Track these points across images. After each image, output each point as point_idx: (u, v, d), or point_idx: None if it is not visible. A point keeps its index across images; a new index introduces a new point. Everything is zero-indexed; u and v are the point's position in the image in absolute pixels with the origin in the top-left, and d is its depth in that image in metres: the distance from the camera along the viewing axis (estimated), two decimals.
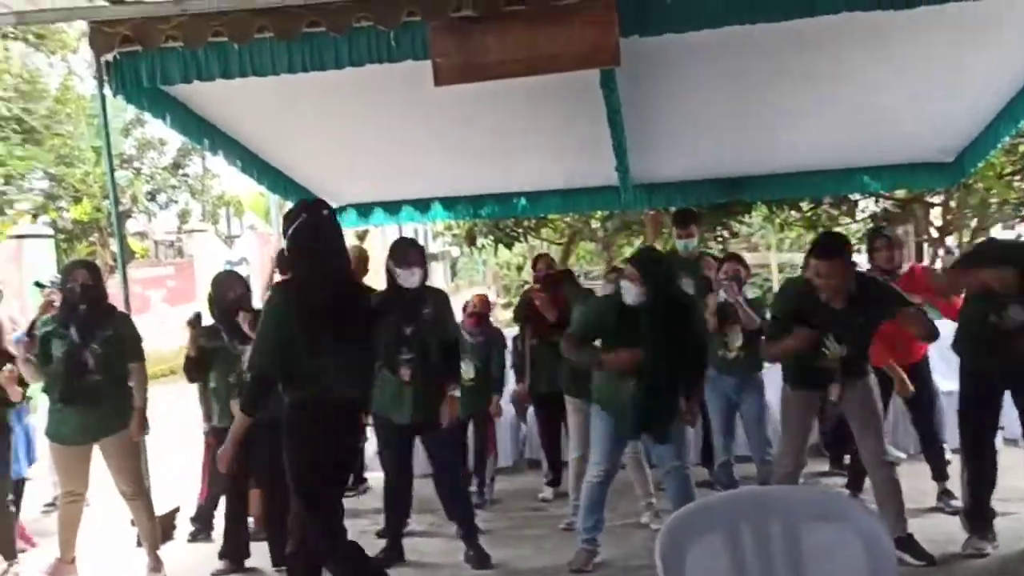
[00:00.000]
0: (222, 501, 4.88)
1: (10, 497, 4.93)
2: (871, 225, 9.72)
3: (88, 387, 4.35)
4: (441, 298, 4.64)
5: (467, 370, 5.34)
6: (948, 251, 10.19)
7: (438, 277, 30.03)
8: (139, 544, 4.74)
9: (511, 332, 6.37)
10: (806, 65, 5.08)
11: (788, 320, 4.12)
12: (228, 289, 4.65)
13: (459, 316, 5.45)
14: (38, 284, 5.74)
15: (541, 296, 5.49)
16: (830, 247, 4.05)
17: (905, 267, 5.18)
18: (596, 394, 4.36)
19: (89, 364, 4.35)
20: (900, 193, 9.16)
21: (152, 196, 22.34)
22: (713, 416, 5.40)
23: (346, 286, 3.60)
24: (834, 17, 4.12)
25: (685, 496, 4.13)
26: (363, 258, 5.94)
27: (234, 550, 4.64)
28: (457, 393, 4.58)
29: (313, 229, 3.47)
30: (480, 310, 5.65)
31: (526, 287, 5.86)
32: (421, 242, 5.68)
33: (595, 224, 11.01)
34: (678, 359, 4.10)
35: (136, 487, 4.57)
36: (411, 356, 4.39)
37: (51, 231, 16.21)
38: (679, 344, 4.09)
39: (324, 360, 3.36)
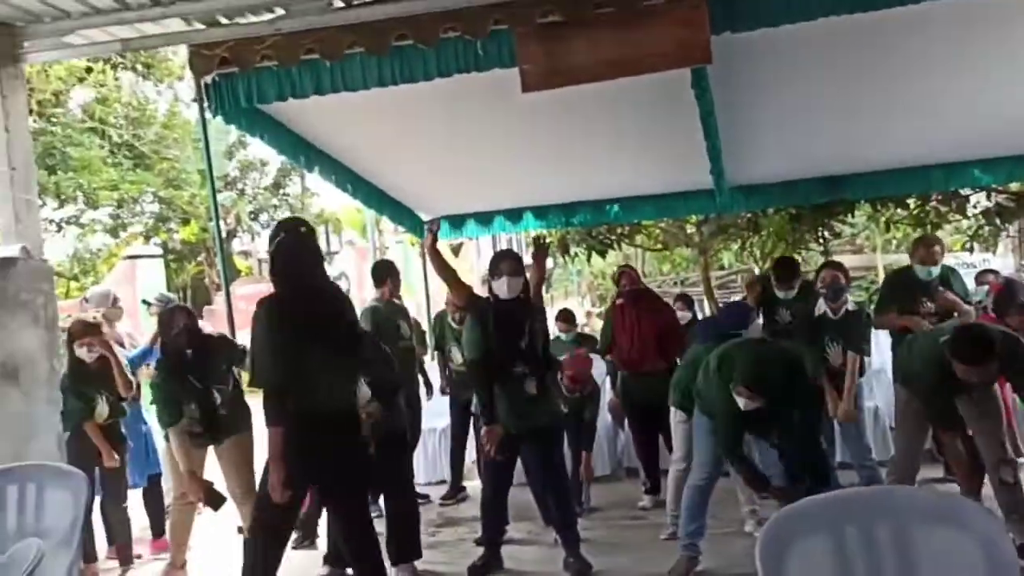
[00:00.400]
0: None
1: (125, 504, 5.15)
2: (981, 222, 9.21)
3: (218, 417, 4.61)
4: (542, 312, 4.76)
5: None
6: None
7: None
8: None
9: None
10: (907, 54, 4.87)
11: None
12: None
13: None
14: (145, 302, 6.02)
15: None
16: (978, 354, 3.72)
17: None
18: (703, 404, 4.28)
19: (218, 402, 4.61)
20: (1014, 186, 8.62)
21: (255, 215, 23.12)
22: None
23: (325, 301, 3.70)
24: (936, 3, 3.94)
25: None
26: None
27: (338, 556, 4.69)
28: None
29: (290, 247, 3.62)
30: (578, 376, 5.45)
31: (609, 304, 5.85)
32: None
33: (690, 229, 10.81)
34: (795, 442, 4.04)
35: (246, 489, 4.67)
36: (526, 369, 4.44)
37: (161, 251, 16.98)
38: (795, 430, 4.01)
39: (308, 373, 3.46)
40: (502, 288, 4.46)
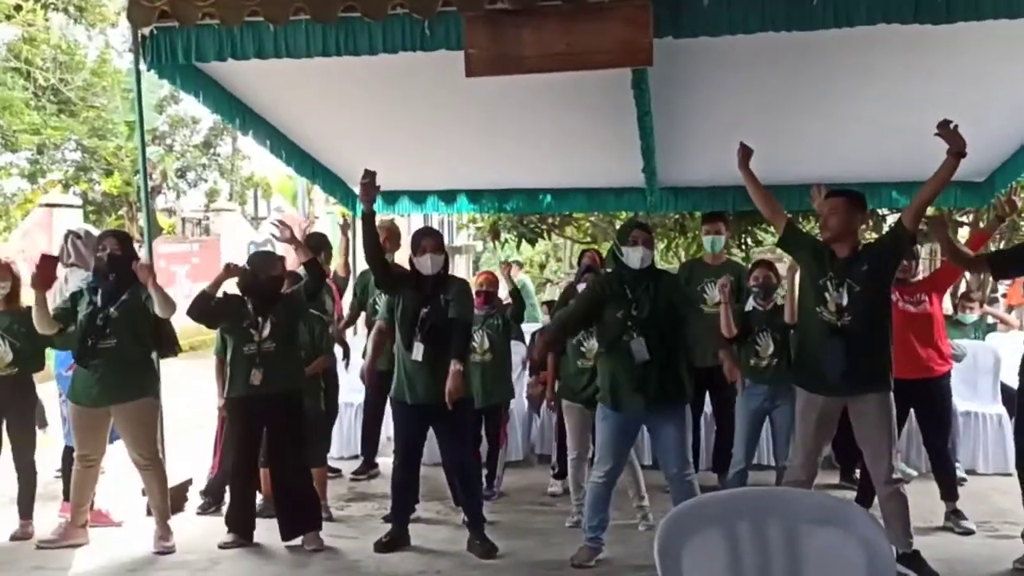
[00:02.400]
0: None
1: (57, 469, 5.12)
2: None
3: (104, 351, 4.41)
4: (463, 290, 4.69)
5: (481, 342, 5.40)
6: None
7: (461, 270, 30.03)
8: (149, 513, 4.80)
9: (530, 327, 6.41)
10: (839, 76, 5.06)
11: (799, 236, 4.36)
12: (268, 268, 4.63)
13: None
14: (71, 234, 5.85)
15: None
16: (839, 190, 4.26)
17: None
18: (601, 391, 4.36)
19: (106, 328, 4.40)
20: (928, 211, 9.02)
21: (182, 173, 22.55)
22: (741, 424, 5.30)
23: None
24: (870, 28, 4.11)
25: None
26: (395, 232, 6.09)
27: (241, 524, 4.64)
28: (459, 367, 4.45)
29: None
30: (487, 288, 5.60)
31: (565, 287, 5.82)
32: (446, 233, 5.67)
33: (619, 225, 10.98)
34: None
35: (149, 457, 4.61)
36: (425, 344, 4.43)
37: (80, 202, 16.43)
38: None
39: None
40: (425, 264, 4.51)
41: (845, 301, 3.98)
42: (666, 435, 4.27)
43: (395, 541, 4.62)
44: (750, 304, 5.20)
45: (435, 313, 4.47)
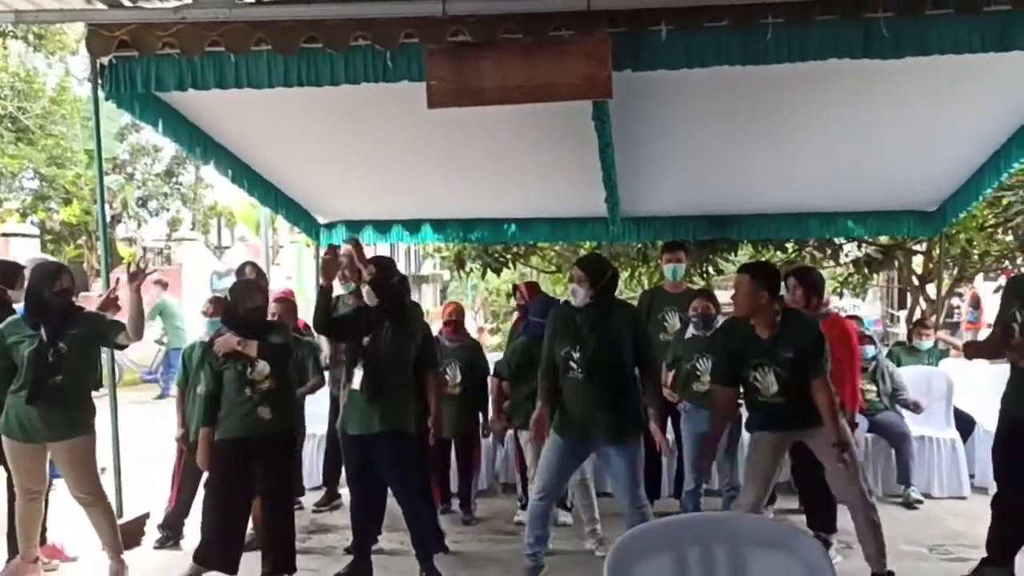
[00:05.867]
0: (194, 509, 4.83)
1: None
2: (851, 270, 9.85)
3: (51, 388, 4.20)
4: (414, 318, 4.63)
5: (453, 375, 5.46)
6: (928, 299, 10.26)
7: (428, 299, 30.01)
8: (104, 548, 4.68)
9: (496, 356, 6.42)
10: (795, 108, 5.18)
11: (724, 356, 4.28)
12: (246, 299, 4.35)
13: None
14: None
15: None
16: (743, 266, 4.34)
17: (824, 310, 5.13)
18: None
19: (57, 365, 4.20)
20: (883, 239, 9.24)
21: (143, 202, 22.32)
22: (688, 448, 5.40)
23: None
24: (823, 63, 4.22)
25: None
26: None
27: (224, 561, 4.37)
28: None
29: None
30: (455, 318, 5.67)
31: (516, 317, 5.88)
32: (411, 263, 5.64)
33: (583, 254, 11.06)
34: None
35: (92, 493, 4.41)
36: (366, 370, 4.37)
37: (38, 231, 16.19)
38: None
39: None
40: (369, 296, 4.42)
41: (775, 388, 4.11)
42: (617, 467, 4.28)
43: (355, 573, 4.55)
44: (689, 332, 5.30)
45: (376, 343, 4.38)
